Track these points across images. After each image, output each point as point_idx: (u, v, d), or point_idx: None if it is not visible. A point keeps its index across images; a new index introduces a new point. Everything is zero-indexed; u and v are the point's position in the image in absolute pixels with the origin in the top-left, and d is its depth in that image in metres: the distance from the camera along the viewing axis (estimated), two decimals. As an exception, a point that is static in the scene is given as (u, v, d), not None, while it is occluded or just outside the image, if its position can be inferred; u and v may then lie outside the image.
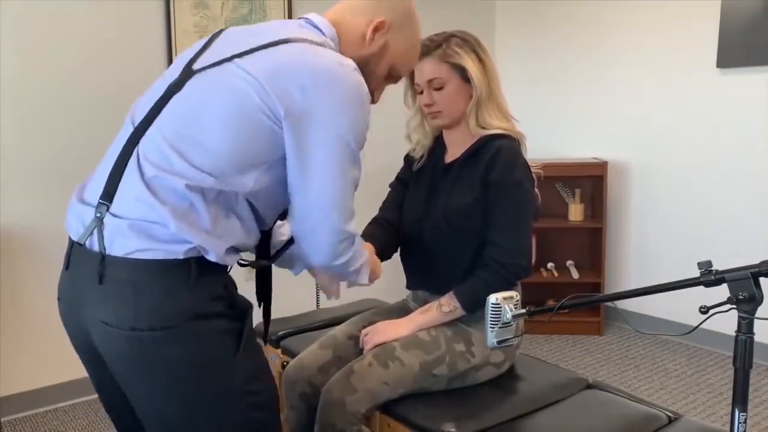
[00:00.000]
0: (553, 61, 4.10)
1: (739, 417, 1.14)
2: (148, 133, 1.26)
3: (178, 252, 1.18)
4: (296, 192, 1.27)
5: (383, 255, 1.90)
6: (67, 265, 1.31)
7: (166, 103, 1.27)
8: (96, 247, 1.22)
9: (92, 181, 1.32)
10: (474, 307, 1.70)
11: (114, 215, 1.22)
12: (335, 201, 1.27)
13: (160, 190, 1.20)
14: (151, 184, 1.20)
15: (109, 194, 1.24)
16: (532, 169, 1.80)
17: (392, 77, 1.47)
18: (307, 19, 1.37)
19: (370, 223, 1.97)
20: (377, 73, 1.42)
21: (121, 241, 1.20)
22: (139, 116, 1.29)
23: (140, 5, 3.00)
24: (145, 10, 3.02)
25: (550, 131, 4.07)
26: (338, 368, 1.72)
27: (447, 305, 1.73)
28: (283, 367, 1.95)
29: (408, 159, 1.99)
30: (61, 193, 2.85)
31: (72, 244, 1.30)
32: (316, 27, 1.35)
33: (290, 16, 3.40)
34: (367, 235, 1.90)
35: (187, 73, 1.29)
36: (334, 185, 1.26)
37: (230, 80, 1.23)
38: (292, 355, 1.99)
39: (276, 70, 1.22)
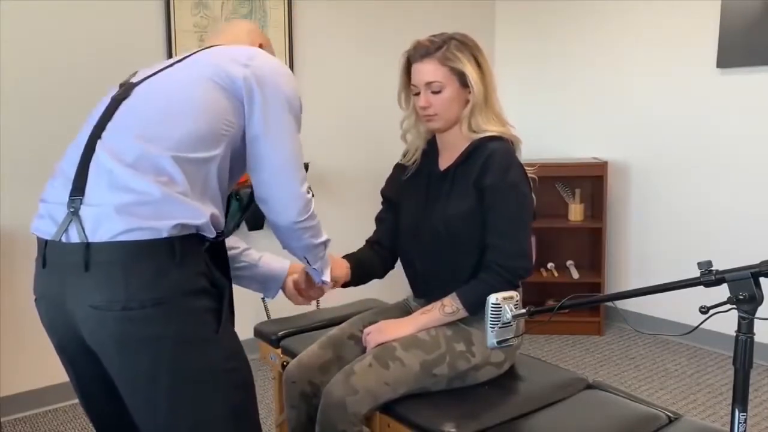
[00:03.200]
0: (552, 62, 4.10)
1: (739, 417, 1.14)
2: (106, 131, 1.33)
3: (161, 230, 1.24)
4: (254, 153, 1.40)
5: (374, 274, 1.95)
6: (43, 264, 1.33)
7: (116, 108, 1.36)
8: (76, 239, 1.26)
9: (54, 186, 1.36)
10: (477, 308, 1.70)
11: (91, 205, 1.26)
12: (291, 155, 1.42)
13: (140, 168, 1.27)
14: (132, 165, 1.27)
15: (79, 189, 1.29)
16: (528, 172, 1.80)
17: None
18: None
19: (363, 246, 1.98)
20: None
21: (107, 226, 1.24)
22: (89, 128, 1.37)
23: (140, 5, 3.00)
24: (145, 10, 3.02)
25: (550, 131, 4.08)
26: (338, 368, 1.72)
27: (449, 306, 1.73)
28: (283, 367, 1.96)
29: (398, 168, 1.97)
30: (61, 193, 2.86)
31: (45, 244, 1.32)
32: None
33: (290, 16, 3.40)
34: (357, 256, 1.93)
35: (128, 87, 1.41)
36: (286, 140, 1.42)
37: (184, 73, 1.41)
38: (292, 355, 1.99)
39: (220, 54, 1.43)
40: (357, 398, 1.62)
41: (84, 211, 1.26)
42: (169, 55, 3.07)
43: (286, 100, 1.42)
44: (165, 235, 1.24)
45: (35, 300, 1.38)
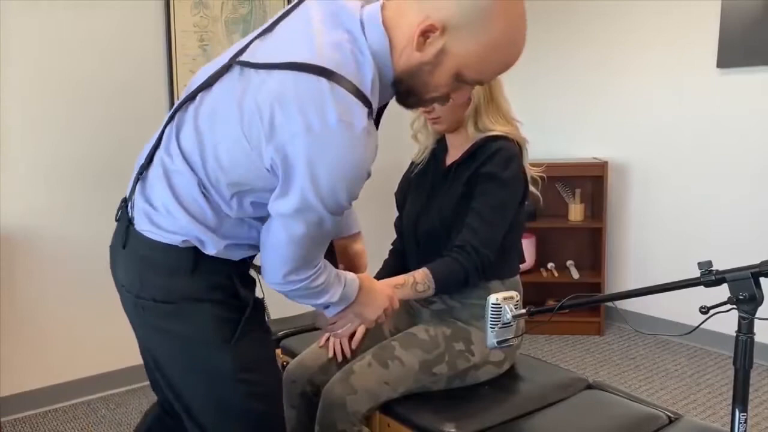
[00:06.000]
0: (552, 62, 4.10)
1: (739, 417, 1.14)
2: (172, 126, 1.27)
3: (177, 241, 1.24)
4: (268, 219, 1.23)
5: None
6: (117, 218, 1.37)
7: (196, 95, 1.24)
8: (129, 213, 1.31)
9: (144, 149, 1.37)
10: (446, 290, 1.69)
11: (140, 193, 1.29)
12: (291, 258, 1.21)
13: (175, 183, 1.23)
14: (168, 176, 1.24)
15: (142, 174, 1.30)
16: (535, 172, 1.80)
17: (466, 83, 1.21)
18: (361, 21, 1.17)
19: (386, 258, 2.00)
20: (436, 82, 1.19)
21: (138, 219, 1.28)
22: (178, 102, 1.31)
23: (140, 5, 3.00)
24: (145, 10, 3.01)
25: (550, 131, 4.07)
26: (339, 368, 1.73)
27: (422, 284, 1.65)
28: (283, 367, 1.96)
29: (411, 165, 1.97)
30: (61, 192, 2.86)
31: (120, 209, 1.36)
32: (363, 33, 1.16)
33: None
34: (384, 270, 1.95)
35: (229, 64, 1.21)
36: (296, 246, 1.19)
37: (236, 106, 1.15)
38: (292, 355, 1.99)
39: (279, 102, 1.10)
40: (356, 397, 1.62)
41: (136, 196, 1.30)
42: (169, 56, 3.06)
43: (317, 198, 1.12)
44: (180, 245, 1.23)
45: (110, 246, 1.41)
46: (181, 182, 1.22)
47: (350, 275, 1.39)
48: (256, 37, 1.23)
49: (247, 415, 1.33)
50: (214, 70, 1.24)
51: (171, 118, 1.29)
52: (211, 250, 1.23)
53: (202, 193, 1.21)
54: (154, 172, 1.27)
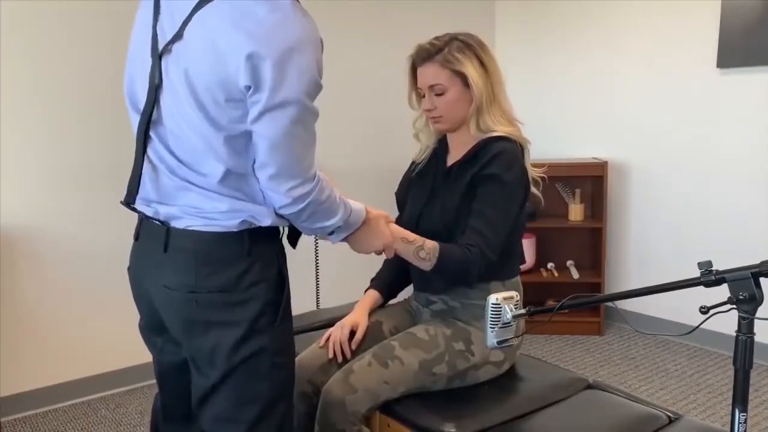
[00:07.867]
0: (553, 62, 4.11)
1: (739, 417, 1.14)
2: (152, 137, 1.32)
3: (232, 226, 1.27)
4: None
5: (405, 284, 1.97)
6: (136, 237, 1.41)
7: (154, 104, 1.29)
8: (161, 222, 1.32)
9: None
10: (441, 273, 1.67)
11: (164, 205, 1.31)
12: (282, 167, 1.25)
13: (200, 184, 1.27)
14: (189, 181, 1.28)
15: (133, 191, 1.34)
16: (536, 172, 1.80)
17: None
18: None
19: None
20: None
21: (178, 220, 1.30)
22: (136, 116, 1.34)
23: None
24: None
25: (550, 131, 4.08)
26: (339, 368, 1.73)
27: (426, 253, 1.64)
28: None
29: (411, 165, 1.97)
30: (61, 192, 2.86)
31: (141, 220, 1.39)
32: None
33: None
34: (384, 278, 1.98)
35: (155, 59, 1.29)
36: (283, 150, 1.24)
37: (183, 78, 1.23)
38: (292, 355, 1.99)
39: (218, 34, 1.18)
40: (356, 397, 1.62)
41: (157, 207, 1.32)
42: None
43: (294, 101, 1.21)
44: (236, 229, 1.28)
45: (128, 268, 1.44)
46: (203, 182, 1.27)
47: (356, 204, 1.46)
48: (154, 25, 1.32)
49: (270, 396, 1.35)
50: (147, 74, 1.30)
51: (144, 140, 1.32)
52: (266, 221, 1.30)
53: (228, 177, 1.26)
54: (170, 185, 1.30)
